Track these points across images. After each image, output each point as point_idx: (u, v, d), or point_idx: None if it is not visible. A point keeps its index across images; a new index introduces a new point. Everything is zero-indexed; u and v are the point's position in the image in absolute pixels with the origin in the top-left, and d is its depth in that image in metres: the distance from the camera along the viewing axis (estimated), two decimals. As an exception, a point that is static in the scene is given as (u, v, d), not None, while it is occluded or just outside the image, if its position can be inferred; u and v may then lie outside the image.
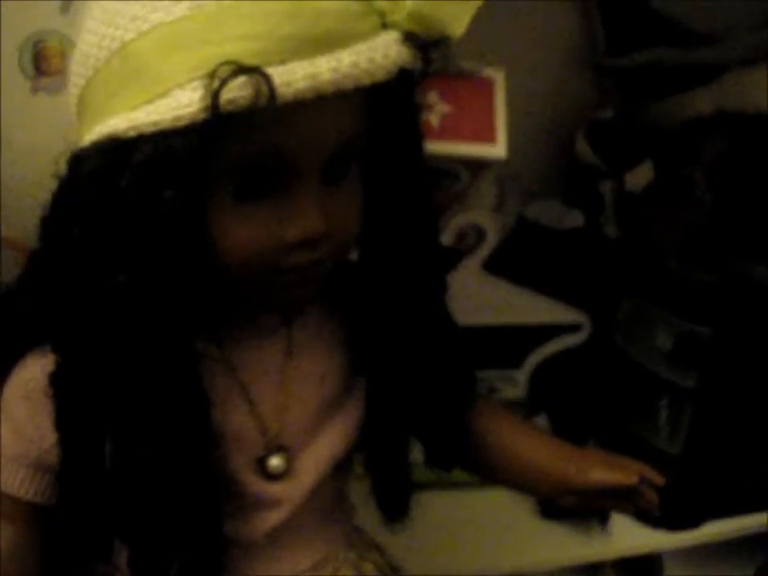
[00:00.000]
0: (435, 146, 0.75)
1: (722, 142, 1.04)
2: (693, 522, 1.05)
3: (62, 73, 0.77)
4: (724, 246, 1.00)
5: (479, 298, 1.00)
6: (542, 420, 1.09)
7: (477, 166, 0.83)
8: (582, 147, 1.16)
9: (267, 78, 0.45)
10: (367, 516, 0.71)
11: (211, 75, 0.45)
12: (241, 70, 0.45)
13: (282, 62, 0.46)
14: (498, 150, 0.80)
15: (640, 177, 1.10)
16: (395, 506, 0.68)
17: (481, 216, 0.97)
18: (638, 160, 1.11)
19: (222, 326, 0.59)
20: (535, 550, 1.01)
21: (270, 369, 0.61)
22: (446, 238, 0.93)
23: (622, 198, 1.12)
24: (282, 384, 0.61)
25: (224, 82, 0.45)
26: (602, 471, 0.68)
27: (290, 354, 0.62)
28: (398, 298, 0.61)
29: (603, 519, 1.02)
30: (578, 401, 1.10)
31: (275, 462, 0.60)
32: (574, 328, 1.06)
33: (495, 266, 1.01)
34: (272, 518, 0.61)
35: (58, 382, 0.54)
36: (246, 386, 0.59)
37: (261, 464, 0.60)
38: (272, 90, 0.45)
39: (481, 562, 0.98)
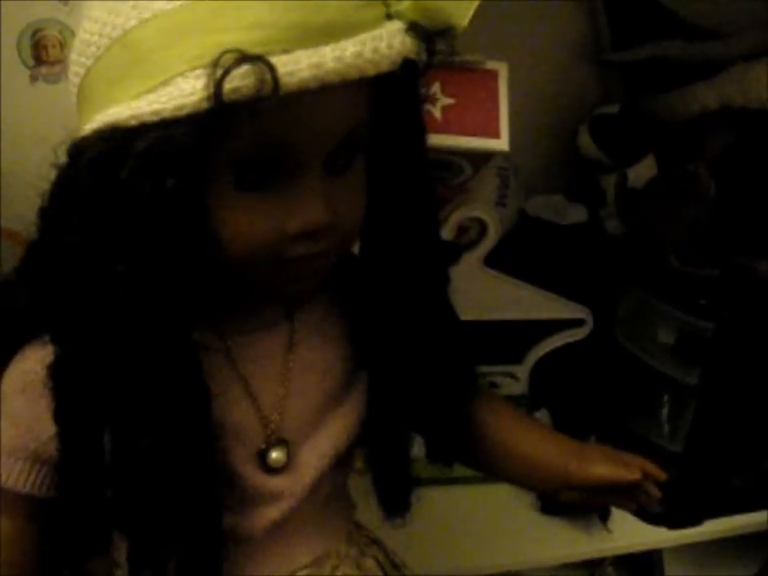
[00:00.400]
0: (437, 139, 0.74)
1: (725, 136, 1.03)
2: (693, 520, 1.05)
3: (61, 62, 0.77)
4: (727, 241, 1.00)
5: (480, 293, 0.99)
6: (542, 415, 1.09)
7: (479, 159, 0.82)
8: (585, 141, 1.16)
9: (271, 67, 0.45)
10: (368, 511, 0.70)
11: (214, 64, 0.45)
12: (244, 58, 0.45)
13: (286, 51, 0.46)
14: (500, 143, 0.79)
15: (643, 171, 1.09)
16: (396, 501, 0.68)
17: (482, 210, 0.96)
18: (642, 154, 1.11)
19: (224, 318, 0.59)
20: (535, 546, 1.01)
21: (272, 361, 0.60)
22: (447, 232, 0.93)
23: (624, 193, 1.12)
24: (284, 377, 0.60)
25: (227, 71, 0.44)
26: (604, 466, 0.67)
27: (292, 346, 0.61)
28: (400, 291, 0.61)
29: (604, 515, 1.02)
30: (580, 396, 1.09)
31: (275, 455, 0.60)
32: (575, 323, 1.05)
33: (496, 260, 1.01)
34: (272, 513, 0.60)
35: (56, 373, 0.54)
36: (247, 379, 0.59)
37: (261, 457, 0.59)
38: (275, 79, 0.45)
39: (481, 558, 0.97)
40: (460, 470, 0.77)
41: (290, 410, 0.61)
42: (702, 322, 0.98)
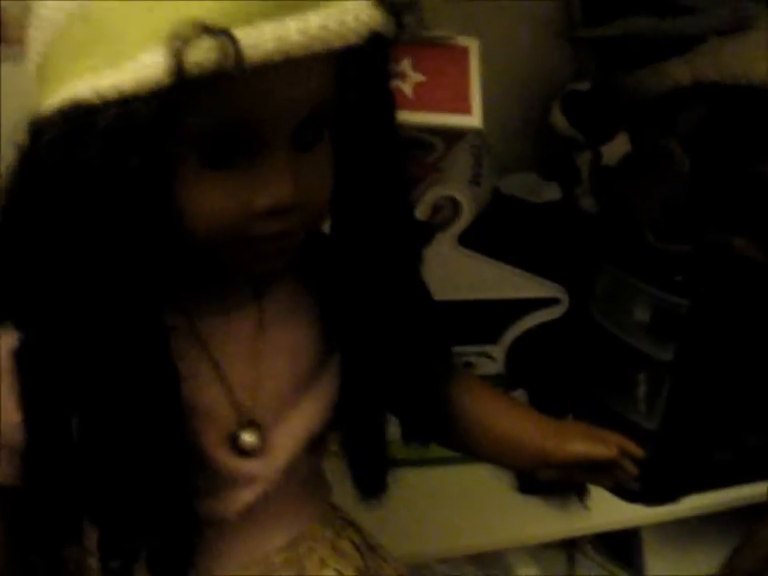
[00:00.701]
0: (409, 116, 0.73)
1: (698, 112, 1.03)
2: (670, 497, 1.05)
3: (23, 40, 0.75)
4: (701, 217, 1.00)
5: (455, 272, 0.99)
6: (519, 395, 1.09)
7: (451, 137, 0.82)
8: (558, 119, 1.15)
9: (233, 40, 0.44)
10: (344, 494, 0.69)
11: (175, 37, 0.44)
12: (206, 31, 0.43)
13: (249, 23, 0.45)
14: (472, 119, 0.79)
15: (617, 148, 1.09)
16: (372, 483, 0.67)
17: (456, 189, 0.95)
18: (615, 131, 1.10)
19: (193, 299, 0.58)
20: (513, 525, 1.01)
21: (242, 343, 0.59)
22: (421, 212, 0.92)
23: (598, 170, 1.11)
24: (254, 358, 0.59)
25: (188, 44, 0.43)
26: (581, 443, 0.67)
27: (262, 327, 0.60)
28: (372, 271, 0.60)
29: (581, 493, 1.02)
30: (556, 375, 1.09)
31: (248, 438, 0.59)
32: (551, 302, 1.05)
33: (471, 240, 1.00)
34: (245, 496, 0.59)
35: (21, 359, 0.53)
36: (217, 361, 0.58)
37: (233, 440, 0.59)
38: (239, 52, 0.44)
39: (459, 538, 0.97)
40: (437, 451, 0.76)
41: (261, 393, 0.60)
42: (677, 299, 0.98)
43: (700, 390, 1.02)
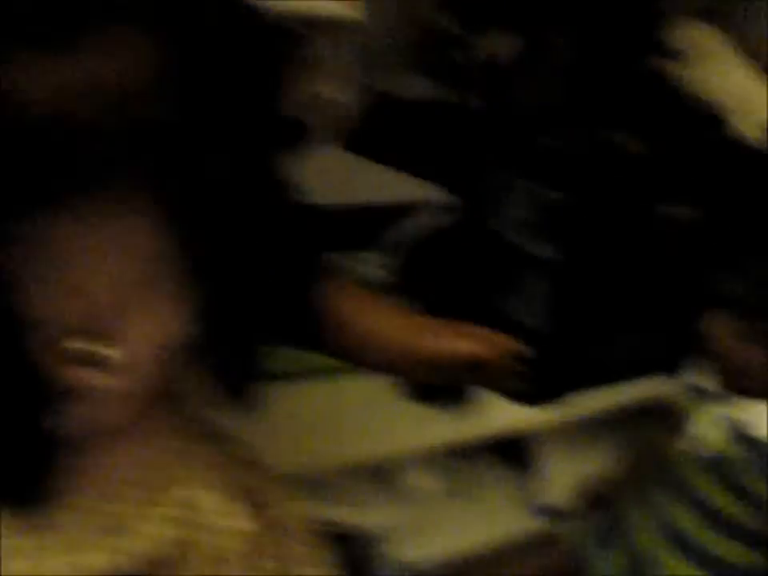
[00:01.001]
0: (288, 6, 0.70)
1: (585, 6, 1.02)
2: (556, 395, 1.06)
3: None
4: (583, 113, 0.99)
5: (338, 177, 0.97)
6: (410, 301, 1.08)
7: (330, 30, 0.79)
8: (438, 13, 1.12)
9: None
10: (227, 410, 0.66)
11: None
12: None
13: None
14: (352, 10, 0.76)
15: (500, 44, 1.08)
16: (243, 392, 0.64)
17: (339, 89, 0.93)
18: (499, 25, 1.09)
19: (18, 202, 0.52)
20: (408, 435, 1.01)
21: (82, 251, 0.54)
22: (298, 111, 0.89)
23: (482, 67, 1.10)
24: (95, 266, 0.54)
25: None
26: (459, 341, 0.66)
27: (102, 233, 0.54)
28: (229, 170, 0.56)
29: (456, 397, 1.02)
30: (445, 280, 1.09)
31: (93, 348, 0.54)
32: (436, 205, 1.04)
33: (355, 143, 0.98)
34: (98, 411, 0.56)
35: None
36: (57, 269, 0.52)
37: (77, 352, 0.54)
38: None
39: (350, 450, 0.97)
40: (324, 362, 0.74)
41: (102, 299, 0.55)
42: (562, 196, 0.98)
43: (584, 288, 1.02)
